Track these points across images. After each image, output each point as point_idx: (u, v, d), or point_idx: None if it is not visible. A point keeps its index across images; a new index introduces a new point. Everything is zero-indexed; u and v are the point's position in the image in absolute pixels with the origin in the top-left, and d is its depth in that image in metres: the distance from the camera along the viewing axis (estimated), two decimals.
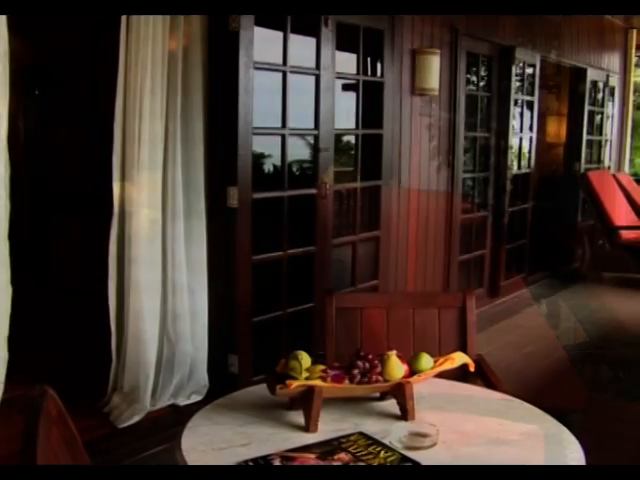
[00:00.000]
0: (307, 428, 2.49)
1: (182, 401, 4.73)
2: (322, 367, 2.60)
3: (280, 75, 5.11)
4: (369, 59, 6.18)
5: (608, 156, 11.45)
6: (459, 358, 2.77)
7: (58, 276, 7.68)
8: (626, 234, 9.44)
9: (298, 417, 2.56)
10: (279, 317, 5.28)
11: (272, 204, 5.20)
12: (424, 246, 6.90)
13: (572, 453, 2.43)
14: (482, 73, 7.95)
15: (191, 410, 2.72)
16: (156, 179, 4.52)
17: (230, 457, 2.31)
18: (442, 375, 2.81)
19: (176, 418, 4.27)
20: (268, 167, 6.66)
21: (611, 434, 5.03)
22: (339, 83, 5.76)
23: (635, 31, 11.53)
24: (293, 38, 5.12)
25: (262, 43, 4.95)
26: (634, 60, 12.07)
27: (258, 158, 6.25)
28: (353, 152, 6.06)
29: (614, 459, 4.56)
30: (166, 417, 4.57)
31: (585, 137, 10.24)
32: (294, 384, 2.50)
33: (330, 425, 2.52)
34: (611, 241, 9.52)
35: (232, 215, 4.83)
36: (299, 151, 6.18)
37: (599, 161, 10.98)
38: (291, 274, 5.32)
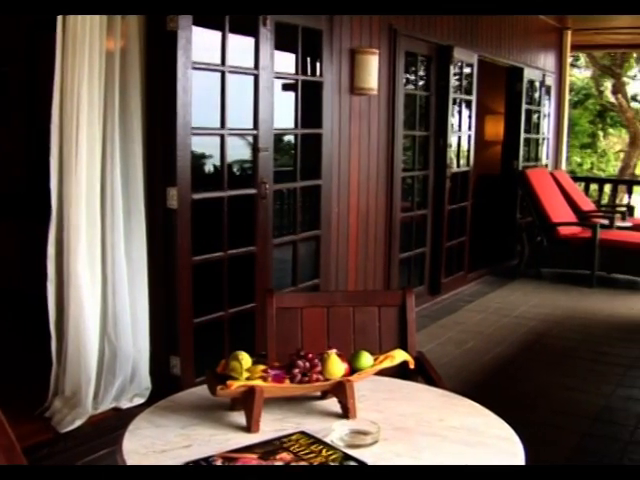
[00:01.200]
0: (249, 428, 2.49)
1: (125, 404, 4.69)
2: (263, 367, 2.61)
3: (219, 75, 5.10)
4: (308, 59, 6.20)
5: (545, 154, 11.62)
6: (399, 355, 2.79)
7: None
8: (563, 230, 9.59)
9: (240, 418, 2.56)
10: (221, 318, 5.27)
11: (212, 204, 5.18)
12: (365, 245, 6.94)
13: (512, 447, 2.47)
14: (421, 72, 8.01)
15: (134, 413, 2.70)
16: (94, 180, 4.47)
17: (171, 459, 2.30)
18: (383, 373, 2.82)
19: (119, 421, 4.23)
20: (208, 167, 6.64)
21: (550, 426, 5.11)
22: (278, 83, 5.77)
23: (569, 32, 11.71)
24: (232, 38, 5.11)
25: (201, 43, 4.94)
26: (569, 60, 12.26)
27: (198, 159, 6.24)
28: (293, 152, 6.06)
29: (553, 452, 4.63)
30: (109, 420, 4.53)
31: (523, 135, 10.39)
32: (235, 385, 2.50)
33: (272, 425, 2.52)
34: (549, 237, 9.66)
35: (172, 216, 4.81)
36: (239, 151, 6.17)
37: (537, 159, 11.14)
38: (232, 274, 5.31)
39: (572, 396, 5.70)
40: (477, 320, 7.71)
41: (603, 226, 9.54)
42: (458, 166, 8.85)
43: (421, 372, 3.33)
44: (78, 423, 4.42)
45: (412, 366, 2.91)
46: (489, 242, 10.40)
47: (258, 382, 2.53)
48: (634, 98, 20.37)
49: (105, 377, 4.67)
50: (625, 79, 19.94)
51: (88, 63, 4.34)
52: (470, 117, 8.98)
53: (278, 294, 3.51)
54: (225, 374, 2.57)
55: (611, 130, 21.25)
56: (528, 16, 10.22)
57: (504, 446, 2.48)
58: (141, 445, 2.41)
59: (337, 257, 6.52)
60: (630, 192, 12.87)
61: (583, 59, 19.71)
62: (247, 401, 2.51)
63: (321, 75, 6.10)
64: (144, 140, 4.73)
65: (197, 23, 4.82)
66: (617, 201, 13.41)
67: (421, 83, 8.05)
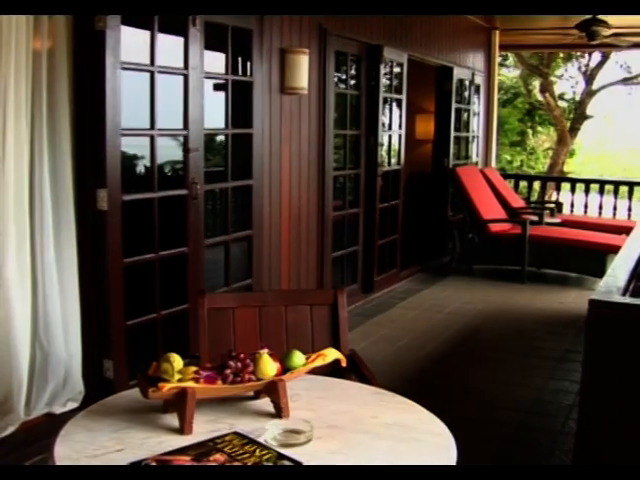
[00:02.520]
0: (182, 430, 2.48)
1: (58, 409, 4.64)
2: (194, 368, 2.60)
3: (148, 75, 5.07)
4: (239, 59, 6.19)
5: (475, 152, 11.76)
6: (330, 354, 2.80)
7: None
8: (494, 227, 9.71)
9: (172, 420, 2.54)
10: (153, 319, 5.23)
11: (143, 206, 5.15)
12: (297, 244, 6.95)
13: (444, 442, 2.50)
14: (352, 72, 8.05)
15: (67, 418, 2.66)
16: (22, 183, 4.40)
17: (104, 463, 2.28)
18: (316, 371, 2.84)
19: (52, 427, 4.15)
20: (139, 168, 6.60)
21: (484, 420, 5.17)
22: (209, 83, 5.74)
23: (498, 32, 11.87)
24: (161, 38, 5.08)
25: (130, 43, 4.90)
26: (498, 59, 12.43)
27: (129, 160, 6.19)
28: (224, 152, 6.05)
29: (486, 446, 4.69)
30: (42, 426, 4.48)
31: (453, 134, 10.50)
32: (166, 387, 2.49)
33: (205, 426, 2.51)
34: (480, 234, 9.77)
35: (102, 218, 4.77)
36: (170, 152, 6.15)
37: (467, 157, 11.27)
38: (164, 276, 5.29)
39: (505, 390, 5.78)
40: (410, 317, 7.77)
41: (533, 222, 9.68)
42: (389, 165, 8.90)
43: (354, 370, 3.35)
44: (10, 430, 4.35)
45: (344, 364, 2.92)
46: (421, 240, 10.49)
47: (190, 384, 2.52)
48: (561, 97, 20.71)
49: (37, 382, 4.60)
50: (552, 78, 20.25)
51: (14, 63, 4.27)
52: (401, 116, 9.04)
53: (210, 295, 3.50)
54: (157, 376, 2.56)
55: (540, 128, 21.57)
56: (457, 16, 10.33)
57: (437, 441, 2.51)
58: (73, 450, 2.39)
59: (269, 257, 6.52)
60: (558, 189, 13.11)
61: (512, 59, 19.97)
62: (179, 403, 2.50)
63: (251, 75, 6.10)
64: (73, 141, 4.67)
65: (126, 23, 4.79)
66: (546, 198, 13.64)
67: (352, 82, 8.08)
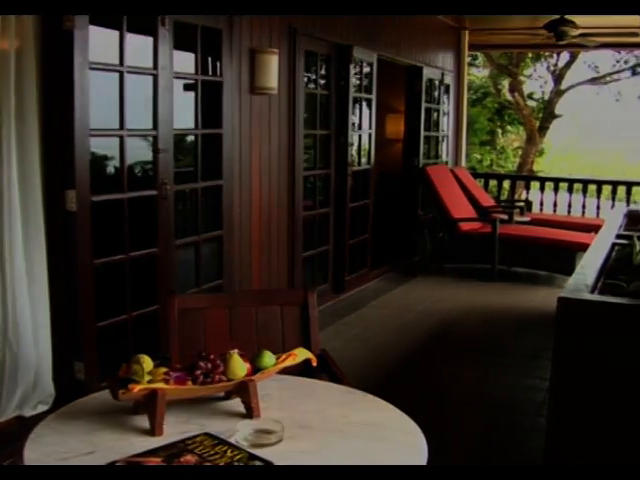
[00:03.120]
0: (152, 432, 2.47)
1: (28, 412, 4.61)
2: (164, 369, 2.59)
3: (117, 75, 5.05)
4: (209, 59, 6.17)
5: (445, 151, 11.80)
6: (301, 354, 2.80)
7: None
8: (464, 226, 9.76)
9: (143, 421, 2.54)
10: (124, 321, 5.21)
11: (112, 206, 5.13)
12: (268, 244, 6.94)
13: (415, 440, 2.51)
14: (322, 72, 8.05)
15: (38, 421, 2.65)
16: None
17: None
18: (286, 371, 2.84)
19: (22, 430, 4.14)
20: (109, 169, 6.56)
21: (455, 418, 5.19)
22: (178, 83, 5.73)
23: (467, 32, 11.92)
24: (130, 37, 5.06)
25: (98, 43, 4.88)
26: (467, 59, 12.48)
27: (98, 160, 6.15)
28: (194, 152, 6.03)
29: (457, 444, 4.71)
30: (12, 429, 4.45)
31: (423, 133, 10.53)
32: (136, 388, 2.48)
33: (175, 427, 2.51)
34: (450, 233, 9.81)
35: (71, 219, 4.75)
36: (140, 152, 6.12)
37: (437, 156, 11.30)
38: (135, 277, 5.27)
39: (475, 388, 5.81)
40: (381, 316, 7.78)
41: (502, 221, 9.73)
42: (359, 164, 8.92)
43: (325, 370, 3.35)
44: None
45: (315, 364, 2.93)
46: (392, 239, 10.51)
47: (160, 385, 2.51)
48: (530, 96, 20.82)
49: (7, 385, 4.57)
50: (521, 78, 20.36)
51: None
52: (371, 116, 9.05)
53: (181, 296, 3.49)
54: (127, 378, 2.55)
55: (509, 127, 21.66)
56: (427, 16, 10.36)
57: (408, 440, 2.52)
58: (43, 453, 2.38)
59: (240, 257, 6.51)
60: (528, 188, 13.19)
61: (481, 58, 20.06)
62: (149, 404, 2.49)
63: (221, 75, 6.08)
64: (41, 142, 4.64)
65: (94, 22, 4.77)
66: (516, 197, 13.71)
67: (322, 82, 8.09)
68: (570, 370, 3.46)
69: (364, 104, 8.95)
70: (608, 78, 20.34)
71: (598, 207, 11.85)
